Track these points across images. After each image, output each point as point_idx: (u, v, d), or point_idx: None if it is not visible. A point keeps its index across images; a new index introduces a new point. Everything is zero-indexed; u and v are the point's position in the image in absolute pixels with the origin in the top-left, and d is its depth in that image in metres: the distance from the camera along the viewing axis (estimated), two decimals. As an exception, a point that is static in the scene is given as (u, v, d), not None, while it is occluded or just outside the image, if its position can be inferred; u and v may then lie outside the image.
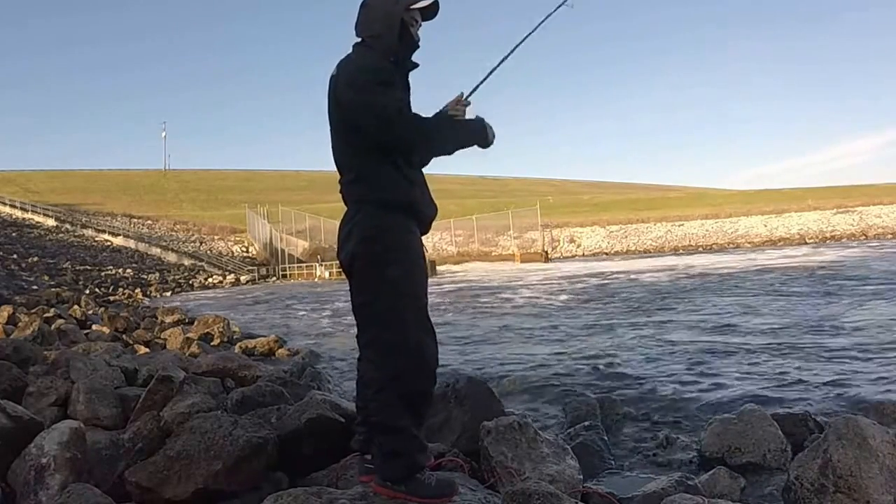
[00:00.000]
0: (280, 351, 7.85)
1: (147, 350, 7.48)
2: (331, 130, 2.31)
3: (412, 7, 2.23)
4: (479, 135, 2.27)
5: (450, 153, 2.33)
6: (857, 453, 2.17)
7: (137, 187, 77.03)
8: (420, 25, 2.29)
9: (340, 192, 2.32)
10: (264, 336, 8.72)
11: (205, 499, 2.40)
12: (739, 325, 7.81)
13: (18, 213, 48.41)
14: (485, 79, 2.51)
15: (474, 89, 2.45)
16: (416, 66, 2.34)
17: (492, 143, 2.29)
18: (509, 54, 2.62)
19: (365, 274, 2.21)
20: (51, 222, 46.90)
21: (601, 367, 5.75)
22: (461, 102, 2.40)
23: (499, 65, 2.59)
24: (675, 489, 2.50)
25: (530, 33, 2.64)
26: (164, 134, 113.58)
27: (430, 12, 2.30)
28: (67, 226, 46.77)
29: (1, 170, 78.93)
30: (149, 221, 54.50)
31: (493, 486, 2.52)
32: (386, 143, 2.16)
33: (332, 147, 2.32)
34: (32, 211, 48.90)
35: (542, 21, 2.68)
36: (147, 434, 2.72)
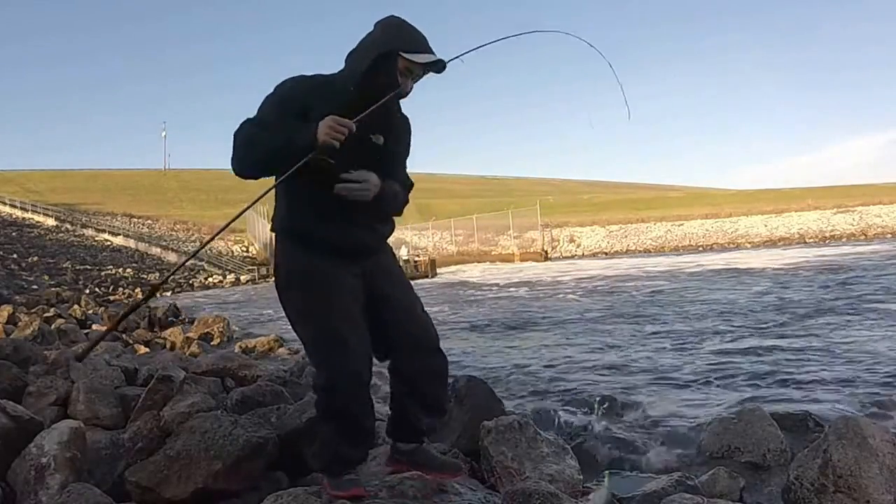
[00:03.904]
0: (280, 350, 7.83)
1: (147, 350, 7.48)
2: None
3: (406, 56, 2.08)
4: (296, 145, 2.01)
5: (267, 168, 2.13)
6: (857, 453, 2.17)
7: (137, 187, 77.05)
8: (419, 77, 2.16)
9: None
10: (264, 335, 8.70)
11: (205, 498, 2.40)
12: (740, 323, 7.81)
13: (18, 213, 48.36)
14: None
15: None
16: (396, 110, 2.23)
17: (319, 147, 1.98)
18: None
19: (280, 299, 2.29)
20: (51, 222, 46.86)
21: (601, 366, 5.75)
22: (343, 125, 1.99)
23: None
24: (675, 489, 2.49)
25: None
26: (164, 133, 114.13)
27: (435, 68, 2.15)
28: (67, 225, 46.74)
29: (1, 169, 78.98)
30: (149, 221, 54.54)
31: (493, 486, 2.52)
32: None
33: None
34: (32, 211, 48.85)
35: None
36: (147, 434, 2.71)
